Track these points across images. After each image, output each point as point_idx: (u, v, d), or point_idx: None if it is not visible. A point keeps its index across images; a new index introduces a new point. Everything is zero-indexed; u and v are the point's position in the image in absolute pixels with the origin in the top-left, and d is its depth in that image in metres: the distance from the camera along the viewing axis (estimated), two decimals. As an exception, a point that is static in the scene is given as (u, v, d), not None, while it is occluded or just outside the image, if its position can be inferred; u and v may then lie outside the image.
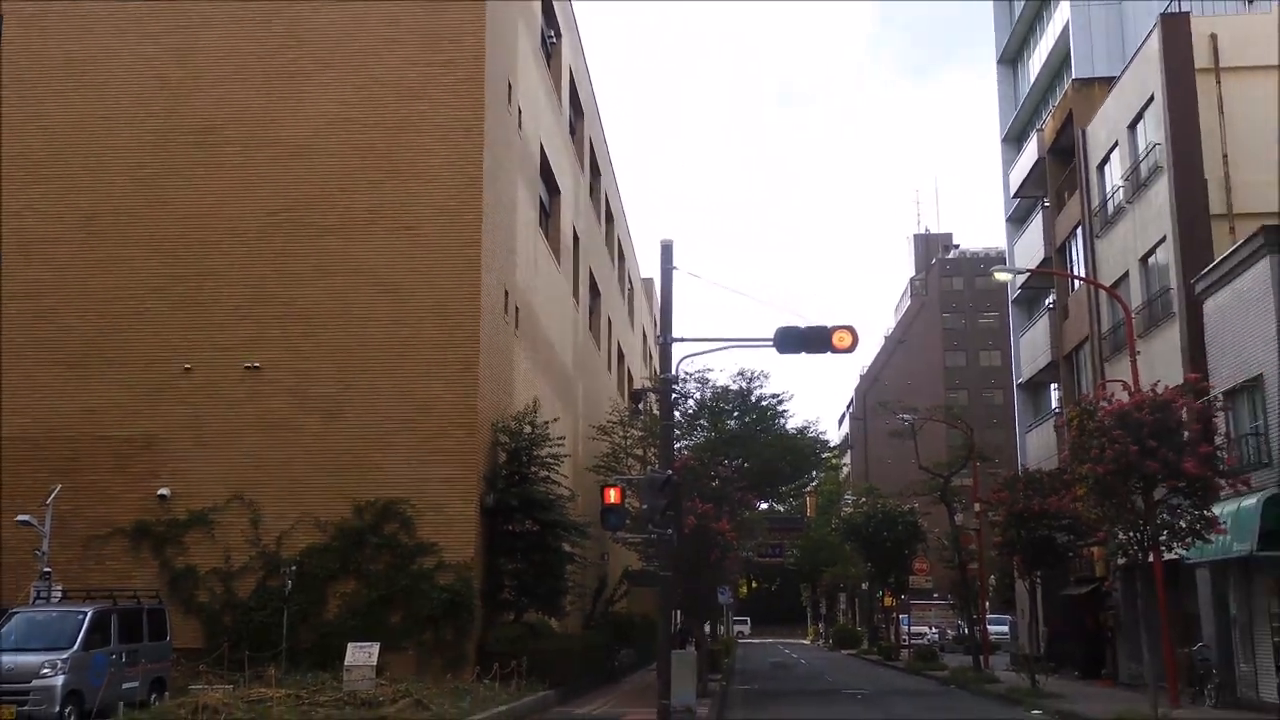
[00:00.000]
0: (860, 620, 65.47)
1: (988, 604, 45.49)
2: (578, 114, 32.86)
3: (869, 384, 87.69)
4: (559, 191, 28.82)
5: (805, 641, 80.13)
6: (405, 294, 20.70)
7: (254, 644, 18.55)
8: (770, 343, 17.01)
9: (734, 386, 31.79)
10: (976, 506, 37.47)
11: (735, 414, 32.00)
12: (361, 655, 16.61)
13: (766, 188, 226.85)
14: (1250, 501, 19.96)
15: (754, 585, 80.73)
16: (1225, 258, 22.37)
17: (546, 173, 27.34)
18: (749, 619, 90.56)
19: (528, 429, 21.76)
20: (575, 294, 31.27)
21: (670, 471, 17.01)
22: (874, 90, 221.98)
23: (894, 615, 51.12)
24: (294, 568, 19.51)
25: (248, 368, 20.64)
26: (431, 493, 19.95)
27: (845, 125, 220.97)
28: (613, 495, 16.94)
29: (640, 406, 29.42)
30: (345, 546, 19.88)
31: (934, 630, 58.35)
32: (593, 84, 35.38)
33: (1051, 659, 32.97)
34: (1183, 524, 18.59)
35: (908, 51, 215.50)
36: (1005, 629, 46.45)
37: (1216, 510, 19.16)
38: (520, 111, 24.14)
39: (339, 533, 19.93)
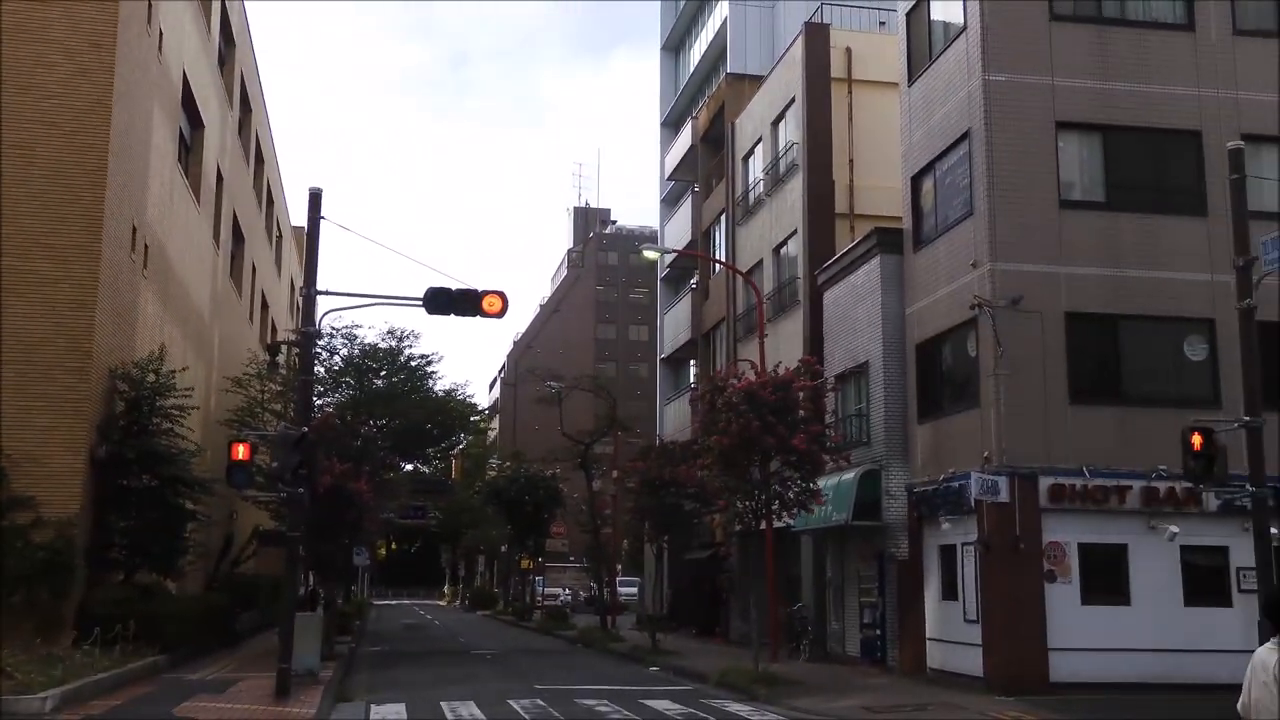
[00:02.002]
0: (498, 582, 66.48)
1: (620, 567, 47.62)
2: (229, 44, 30.73)
3: (522, 350, 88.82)
4: (203, 125, 26.84)
5: (442, 603, 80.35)
6: (12, 219, 18.50)
7: None
8: (420, 302, 16.82)
9: (383, 345, 31.22)
10: (614, 474, 39.03)
11: (383, 373, 31.43)
12: (-67, 621, 14.74)
13: (435, 150, 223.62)
14: (849, 476, 22.10)
15: (394, 547, 79.83)
16: (844, 254, 24.53)
17: (189, 104, 25.38)
18: (392, 582, 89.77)
19: (151, 377, 20.19)
20: (216, 237, 29.34)
21: (306, 428, 16.40)
22: (547, 61, 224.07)
23: (530, 577, 52.34)
24: None
25: None
26: (32, 441, 18.00)
27: (517, 93, 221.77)
28: (241, 451, 16.07)
29: (280, 360, 28.09)
30: (-79, 499, 17.57)
31: (567, 592, 60.38)
32: (247, 14, 33.21)
33: (673, 619, 35.04)
34: (791, 495, 20.28)
35: (583, 28, 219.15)
36: (635, 591, 48.84)
37: (821, 483, 21.04)
38: (162, 34, 22.22)
39: (-87, 483, 17.60)
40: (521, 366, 74.89)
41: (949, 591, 19.75)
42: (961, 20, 20.15)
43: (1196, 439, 13.94)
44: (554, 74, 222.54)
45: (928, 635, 20.31)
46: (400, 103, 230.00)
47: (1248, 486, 14.09)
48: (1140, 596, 17.96)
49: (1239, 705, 5.61)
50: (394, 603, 79.33)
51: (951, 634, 19.45)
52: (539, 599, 50.08)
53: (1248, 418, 14.17)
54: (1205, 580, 18.13)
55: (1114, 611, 17.85)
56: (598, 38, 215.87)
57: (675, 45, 49.26)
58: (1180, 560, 18.09)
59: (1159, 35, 19.70)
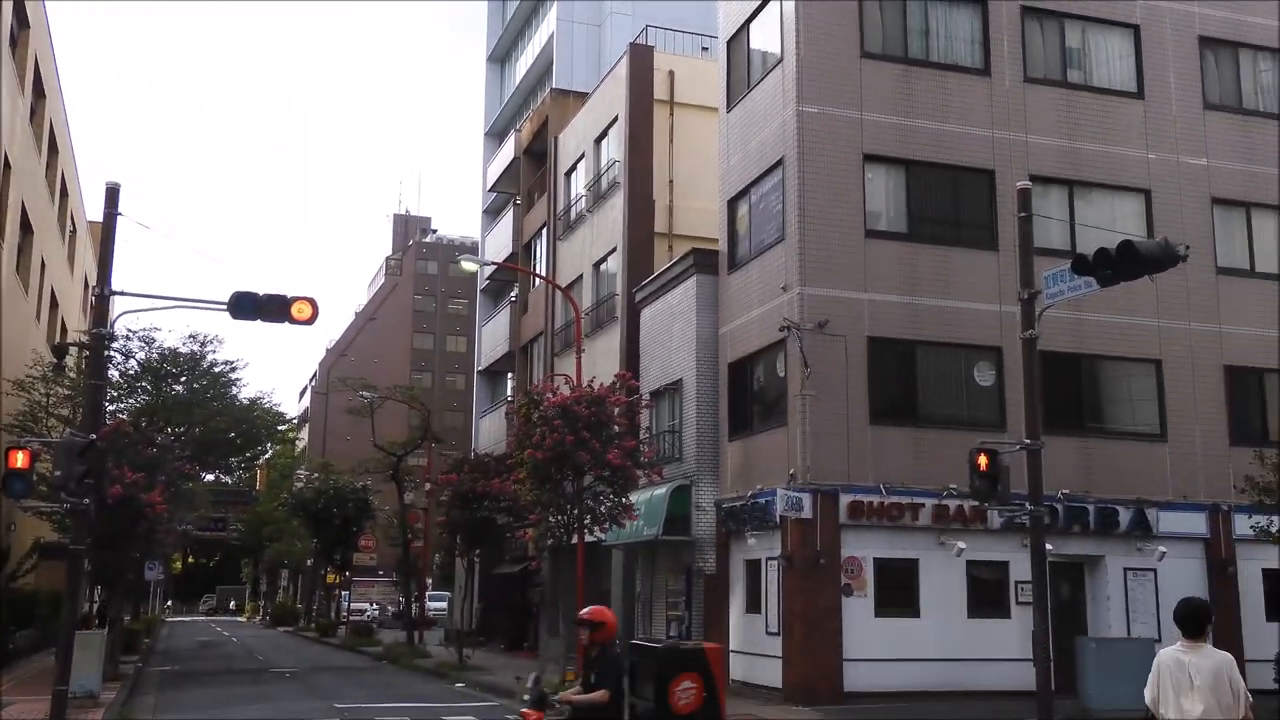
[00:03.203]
0: (303, 597, 64.36)
1: (430, 581, 46.84)
2: (21, 26, 28.82)
3: (335, 358, 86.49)
4: (-11, 108, 25.07)
5: (242, 619, 77.17)
6: None
7: None
8: (224, 307, 16.16)
9: (184, 349, 29.85)
10: (427, 486, 38.38)
11: (183, 378, 30.04)
12: None
13: (258, 153, 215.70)
14: (661, 491, 22.41)
15: (191, 560, 76.33)
16: (661, 272, 24.92)
17: (-25, 85, 23.67)
18: (190, 597, 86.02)
19: (-80, 377, 18.69)
20: (0, 229, 27.41)
21: (94, 435, 15.47)
22: (375, 64, 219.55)
23: (337, 592, 50.93)
24: None
25: None
26: None
27: (343, 96, 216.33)
28: (20, 459, 15.00)
29: (68, 362, 26.40)
30: None
31: (375, 606, 59.02)
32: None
33: (482, 634, 34.71)
34: (604, 509, 20.44)
35: (411, 32, 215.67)
36: (444, 605, 48.13)
37: (633, 498, 21.27)
38: (-55, 8, 20.66)
39: None
40: (334, 375, 72.86)
41: (753, 605, 20.25)
42: (779, 52, 20.83)
43: (982, 460, 14.73)
44: (382, 78, 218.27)
45: (732, 647, 20.74)
46: (222, 105, 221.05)
47: (1027, 505, 14.99)
48: (929, 609, 18.86)
49: (1147, 699, 6.76)
50: (189, 619, 75.66)
51: (754, 646, 19.94)
52: (345, 614, 48.69)
53: (1028, 440, 15.09)
54: (987, 593, 19.22)
55: (905, 623, 18.70)
56: (426, 42, 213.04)
57: (501, 57, 49.10)
58: (966, 574, 19.11)
59: (958, 78, 20.86)
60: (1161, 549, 19.82)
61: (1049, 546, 15.81)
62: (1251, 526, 18.98)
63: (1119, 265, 12.90)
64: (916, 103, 20.44)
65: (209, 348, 30.18)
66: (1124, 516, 19.84)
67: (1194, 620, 6.86)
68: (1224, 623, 18.33)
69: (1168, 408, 20.76)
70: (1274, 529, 17.94)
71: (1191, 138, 21.89)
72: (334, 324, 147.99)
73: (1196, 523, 20.36)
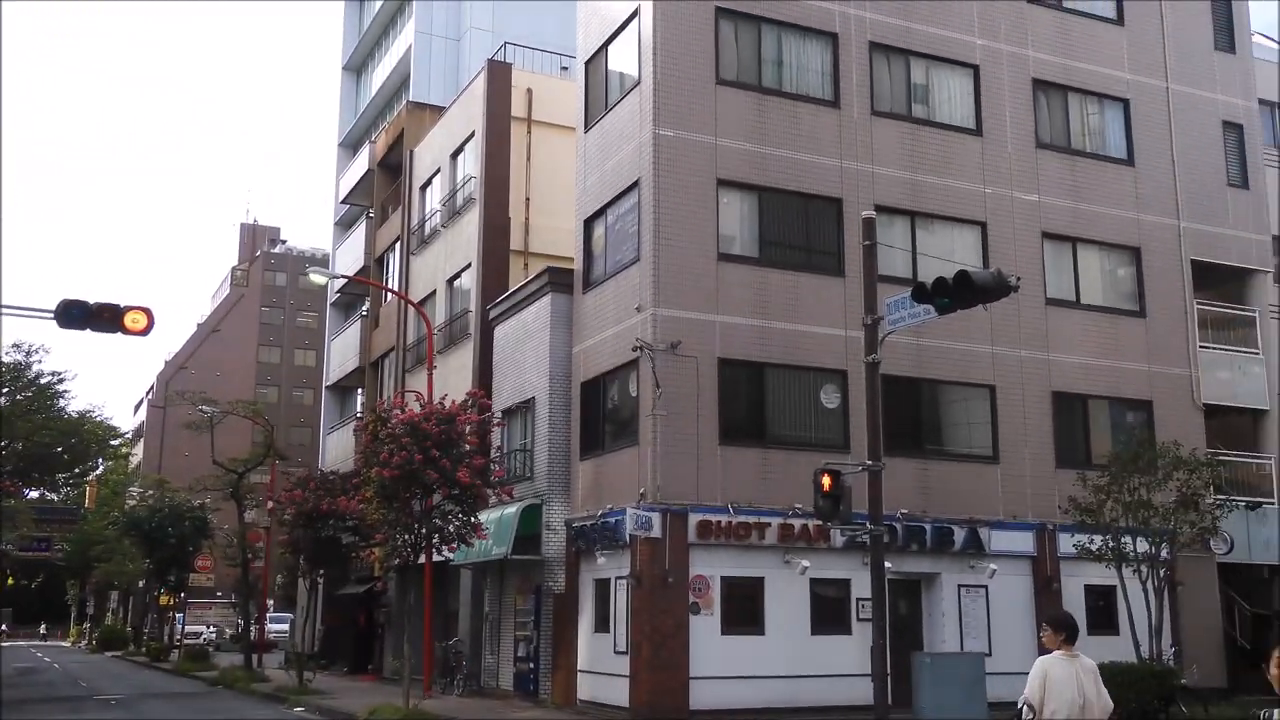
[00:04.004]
0: (134, 620, 61.45)
1: (271, 603, 45.34)
2: None
3: (174, 371, 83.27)
4: None
5: (66, 644, 73.15)
6: None
7: None
8: (51, 315, 15.41)
9: (7, 359, 28.31)
10: (269, 504, 37.18)
11: (5, 390, 28.48)
12: None
13: (102, 155, 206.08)
14: (511, 510, 22.24)
15: (11, 581, 72.11)
16: (516, 290, 24.81)
17: None
18: (4, 620, 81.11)
19: None
20: None
21: (-99, 449, 14.50)
22: (225, 68, 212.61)
23: (171, 614, 48.84)
24: None
25: None
26: None
27: (192, 98, 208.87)
28: None
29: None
30: None
31: (212, 629, 56.82)
32: None
33: (325, 656, 33.75)
34: (452, 529, 20.17)
35: (260, 39, 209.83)
36: (286, 627, 46.64)
37: (483, 517, 21.04)
38: None
39: None
40: (172, 388, 69.97)
41: (602, 624, 20.25)
42: (636, 75, 21.04)
43: (826, 480, 15.11)
44: (230, 81, 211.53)
45: (579, 667, 20.71)
46: (52, 101, 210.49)
47: (868, 525, 15.45)
48: (773, 626, 19.20)
49: (1034, 698, 7.83)
50: (9, 645, 71.20)
51: (602, 665, 19.94)
52: (179, 637, 46.65)
53: (870, 462, 15.56)
54: (830, 610, 19.68)
55: (750, 641, 18.98)
56: (278, 47, 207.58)
57: (357, 66, 48.28)
58: (810, 592, 19.53)
59: (809, 108, 21.44)
60: (993, 566, 20.69)
61: (888, 564, 16.32)
62: (1074, 545, 20.00)
63: (956, 294, 13.48)
64: (769, 130, 20.91)
65: (34, 357, 28.73)
66: (959, 535, 20.62)
67: (1075, 631, 8.23)
68: (1049, 637, 19.20)
69: (1000, 431, 21.71)
70: (1094, 547, 18.94)
71: (1025, 175, 23.03)
72: (174, 335, 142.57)
73: (1025, 541, 21.33)
